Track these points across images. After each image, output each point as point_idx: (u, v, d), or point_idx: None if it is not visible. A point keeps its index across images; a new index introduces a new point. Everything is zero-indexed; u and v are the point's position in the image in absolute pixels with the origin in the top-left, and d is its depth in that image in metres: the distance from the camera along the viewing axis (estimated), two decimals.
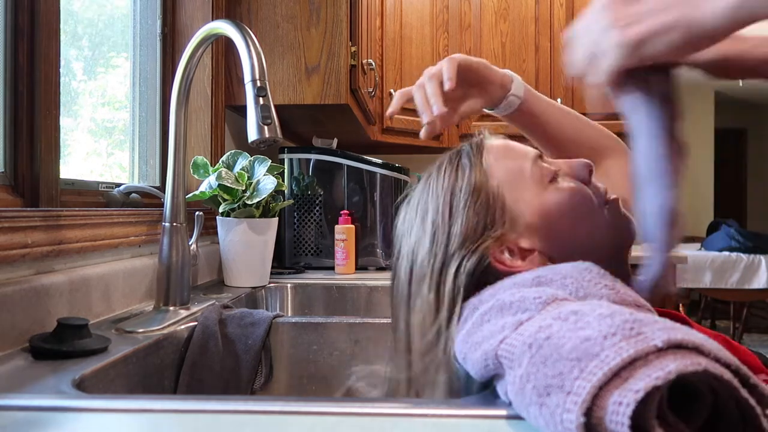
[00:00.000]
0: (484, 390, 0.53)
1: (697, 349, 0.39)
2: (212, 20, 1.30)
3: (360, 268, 1.77)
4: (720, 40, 0.50)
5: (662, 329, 0.40)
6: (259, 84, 0.84)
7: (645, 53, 0.51)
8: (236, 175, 1.29)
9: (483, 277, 0.63)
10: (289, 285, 1.45)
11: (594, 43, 0.54)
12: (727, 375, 0.37)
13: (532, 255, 0.65)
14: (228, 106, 1.63)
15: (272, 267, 1.42)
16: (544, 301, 0.50)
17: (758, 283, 4.29)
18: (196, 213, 1.23)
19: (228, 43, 1.56)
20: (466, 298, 0.61)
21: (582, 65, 0.56)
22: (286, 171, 1.79)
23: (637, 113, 0.54)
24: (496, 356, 0.48)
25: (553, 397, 0.40)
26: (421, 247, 0.66)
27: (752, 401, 0.38)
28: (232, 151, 1.35)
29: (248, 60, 0.85)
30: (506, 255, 0.64)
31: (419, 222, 0.67)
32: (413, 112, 0.82)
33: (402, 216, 0.71)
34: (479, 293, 0.60)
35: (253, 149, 1.05)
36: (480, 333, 0.52)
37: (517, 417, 0.47)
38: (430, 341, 0.62)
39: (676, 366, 0.36)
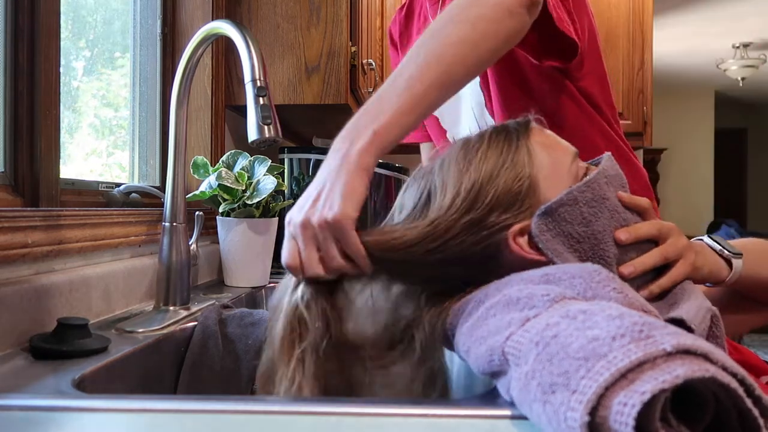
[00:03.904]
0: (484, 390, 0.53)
1: (706, 356, 0.39)
2: (212, 20, 1.30)
3: None
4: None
5: (671, 334, 0.40)
6: (259, 84, 0.84)
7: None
8: (236, 175, 1.29)
9: (489, 251, 0.63)
10: None
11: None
12: (734, 384, 0.37)
13: None
14: (228, 106, 1.63)
15: (272, 267, 1.42)
16: (552, 299, 0.50)
17: None
18: (196, 213, 1.23)
19: (228, 43, 1.56)
20: (453, 262, 0.62)
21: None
22: (286, 171, 1.79)
23: None
24: (503, 353, 0.48)
25: (557, 395, 0.40)
26: (457, 200, 0.64)
27: (755, 412, 0.38)
28: (232, 151, 1.35)
29: (248, 60, 0.85)
30: (524, 239, 0.64)
31: (456, 176, 0.65)
32: None
33: (439, 164, 0.69)
34: (486, 287, 0.60)
35: (253, 149, 1.05)
36: (485, 327, 0.52)
37: (518, 417, 0.47)
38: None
39: (684, 371, 0.36)
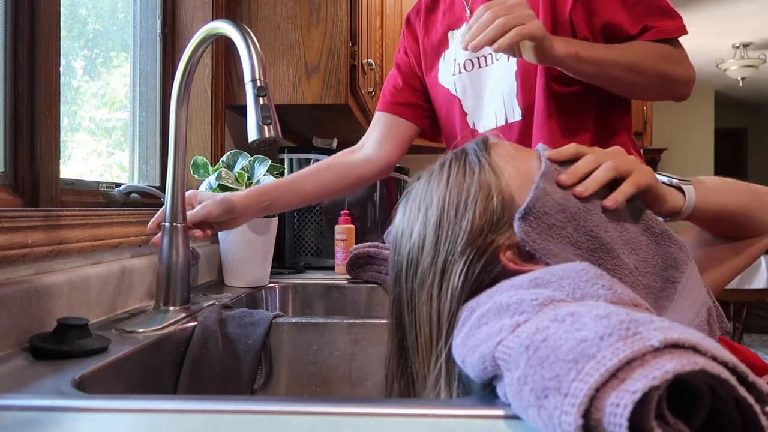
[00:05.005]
0: (484, 391, 0.53)
1: (694, 348, 0.39)
2: (212, 20, 1.30)
3: None
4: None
5: (659, 329, 0.40)
6: (259, 84, 0.84)
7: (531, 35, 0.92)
8: (236, 175, 1.30)
9: (487, 275, 0.63)
10: (289, 285, 1.46)
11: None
12: (725, 374, 0.37)
13: None
14: (228, 106, 1.63)
15: (272, 267, 1.42)
16: (541, 303, 0.50)
17: (758, 283, 4.29)
18: None
19: (228, 43, 1.56)
20: (469, 297, 0.61)
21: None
22: (286, 171, 1.79)
23: None
24: (494, 359, 0.48)
25: (550, 399, 0.40)
26: (425, 244, 0.65)
27: (750, 399, 0.38)
28: (232, 151, 1.35)
29: (248, 60, 0.85)
30: (516, 255, 0.64)
31: (422, 218, 0.66)
32: None
33: (402, 213, 0.70)
34: (477, 296, 0.60)
35: (253, 149, 1.05)
36: (478, 335, 0.52)
37: (516, 417, 0.47)
38: (435, 340, 0.62)
39: (673, 366, 0.36)
